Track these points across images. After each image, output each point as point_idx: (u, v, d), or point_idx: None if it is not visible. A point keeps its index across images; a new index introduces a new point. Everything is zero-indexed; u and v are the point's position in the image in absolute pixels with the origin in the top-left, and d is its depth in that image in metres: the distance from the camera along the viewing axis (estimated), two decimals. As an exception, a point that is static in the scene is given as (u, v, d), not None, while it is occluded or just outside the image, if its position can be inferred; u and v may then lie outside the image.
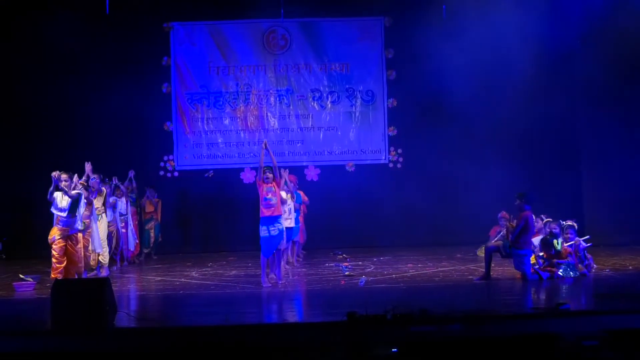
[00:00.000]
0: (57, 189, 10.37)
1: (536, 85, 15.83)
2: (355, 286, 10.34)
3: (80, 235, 10.83)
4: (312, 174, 16.82)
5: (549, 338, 6.91)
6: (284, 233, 11.09)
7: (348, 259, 13.77)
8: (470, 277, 11.01)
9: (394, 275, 11.45)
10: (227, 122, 16.96)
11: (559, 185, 15.87)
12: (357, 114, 16.99)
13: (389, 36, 16.90)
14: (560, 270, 10.58)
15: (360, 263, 13.20)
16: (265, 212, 10.53)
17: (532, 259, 10.96)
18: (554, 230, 11.07)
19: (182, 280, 11.74)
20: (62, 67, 16.08)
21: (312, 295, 10.09)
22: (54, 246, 10.29)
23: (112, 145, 16.24)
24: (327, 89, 16.99)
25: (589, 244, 11.37)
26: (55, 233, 10.25)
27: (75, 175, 10.68)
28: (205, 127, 16.90)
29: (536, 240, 11.84)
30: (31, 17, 15.45)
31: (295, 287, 10.68)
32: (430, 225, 16.26)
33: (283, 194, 11.46)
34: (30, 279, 11.26)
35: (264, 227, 10.56)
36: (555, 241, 10.85)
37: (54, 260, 10.24)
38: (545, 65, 15.83)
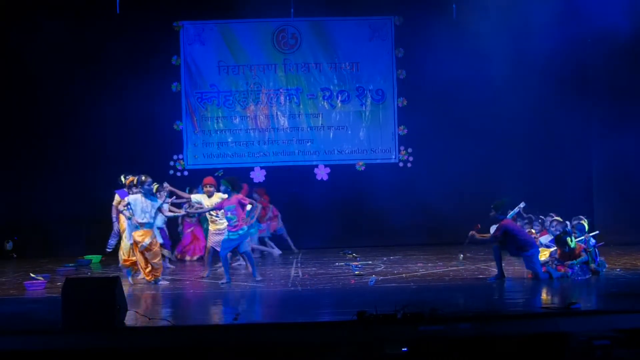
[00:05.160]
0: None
1: (548, 85, 15.76)
2: (365, 285, 10.33)
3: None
4: (322, 173, 16.80)
5: (559, 337, 6.89)
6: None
7: (358, 258, 13.73)
8: (481, 276, 10.99)
9: (404, 275, 11.43)
10: (237, 121, 16.95)
11: (569, 183, 15.80)
12: (367, 113, 16.95)
13: (399, 35, 16.85)
14: (571, 272, 10.54)
15: (370, 262, 13.17)
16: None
17: (545, 256, 10.91)
18: (565, 228, 11.04)
19: (192, 279, 11.75)
20: (72, 66, 16.07)
21: (322, 294, 10.08)
22: (154, 249, 10.50)
23: (121, 145, 16.24)
24: (337, 88, 16.96)
25: (600, 243, 11.32)
26: (144, 237, 10.43)
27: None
28: (215, 126, 16.90)
29: (544, 238, 11.80)
30: (41, 17, 15.47)
31: (305, 286, 10.68)
32: (441, 224, 16.19)
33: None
34: (41, 278, 11.30)
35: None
36: (568, 239, 10.77)
37: (154, 262, 10.45)
38: (557, 64, 15.75)
